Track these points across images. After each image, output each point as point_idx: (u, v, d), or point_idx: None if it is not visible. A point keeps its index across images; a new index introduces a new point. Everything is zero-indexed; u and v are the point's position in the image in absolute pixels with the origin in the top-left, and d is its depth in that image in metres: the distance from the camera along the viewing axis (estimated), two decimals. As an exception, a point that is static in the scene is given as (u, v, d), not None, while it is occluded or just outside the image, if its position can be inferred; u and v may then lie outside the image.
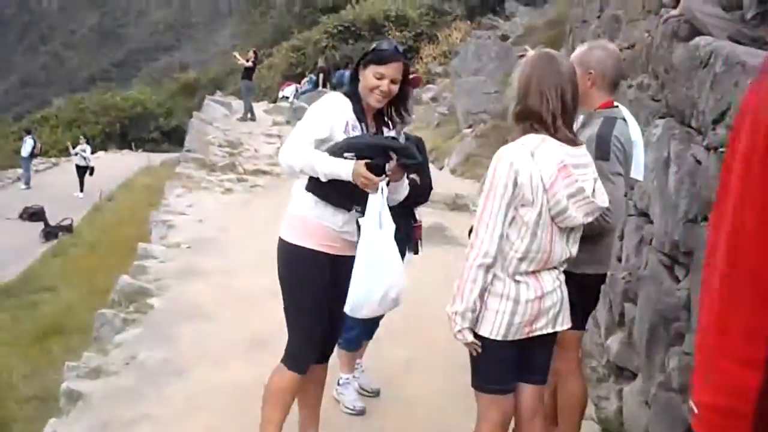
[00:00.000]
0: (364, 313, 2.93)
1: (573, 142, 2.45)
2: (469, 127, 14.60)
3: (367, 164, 2.74)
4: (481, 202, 2.40)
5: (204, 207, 9.99)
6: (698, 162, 3.16)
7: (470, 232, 2.74)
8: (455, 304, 2.45)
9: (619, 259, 4.51)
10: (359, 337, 3.97)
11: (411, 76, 3.86)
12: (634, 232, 4.24)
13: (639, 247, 4.14)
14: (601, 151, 2.83)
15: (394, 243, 2.85)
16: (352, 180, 2.75)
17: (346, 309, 2.89)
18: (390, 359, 4.61)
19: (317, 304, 2.98)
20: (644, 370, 3.66)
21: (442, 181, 10.08)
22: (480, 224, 2.38)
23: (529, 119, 2.43)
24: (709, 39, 3.57)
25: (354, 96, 3.00)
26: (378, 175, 2.76)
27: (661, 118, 4.11)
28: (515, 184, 2.33)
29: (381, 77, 2.92)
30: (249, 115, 19.28)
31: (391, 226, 2.82)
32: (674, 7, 4.40)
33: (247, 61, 19.18)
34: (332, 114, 2.92)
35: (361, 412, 3.92)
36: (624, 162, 2.99)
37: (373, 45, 3.05)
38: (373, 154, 2.81)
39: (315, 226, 2.95)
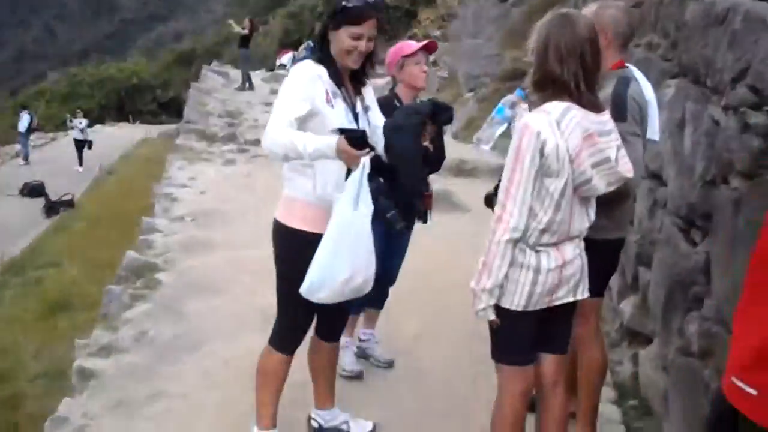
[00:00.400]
0: (320, 296, 2.72)
1: (597, 106, 2.37)
2: (471, 90, 14.45)
3: (347, 138, 2.58)
4: (506, 174, 2.32)
5: (206, 179, 9.92)
6: (716, 122, 3.09)
7: (486, 201, 2.68)
8: (482, 280, 2.38)
9: (631, 222, 4.46)
10: (359, 300, 3.91)
11: (427, 42, 3.77)
12: (646, 195, 4.18)
13: (652, 209, 4.09)
14: (617, 111, 2.76)
15: (369, 225, 2.68)
16: (336, 157, 2.60)
17: (302, 289, 2.69)
18: (402, 330, 4.59)
19: None
20: (661, 334, 3.63)
21: (446, 146, 9.95)
22: (508, 197, 2.31)
23: (551, 86, 2.35)
24: (725, -5, 3.48)
25: (327, 60, 2.80)
26: (359, 148, 2.58)
27: (673, 77, 4.03)
28: (542, 155, 2.27)
29: (358, 37, 2.74)
30: (247, 85, 19.08)
31: (368, 207, 2.64)
32: (685, -37, 4.28)
33: (243, 29, 18.95)
34: (308, 86, 2.73)
35: (359, 375, 3.89)
36: (640, 123, 2.93)
37: (342, 2, 2.78)
38: (414, 126, 2.70)
39: (315, 207, 2.80)
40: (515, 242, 2.35)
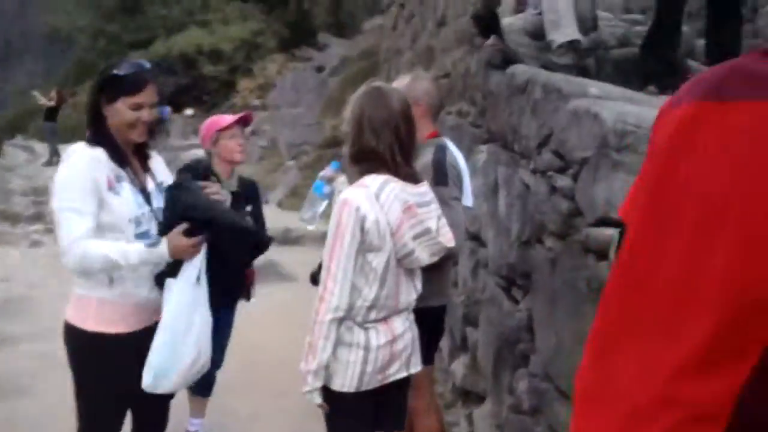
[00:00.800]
0: (167, 385, 2.49)
1: (415, 178, 2.38)
2: (293, 158, 14.55)
3: (185, 231, 2.42)
4: (327, 252, 2.26)
5: (9, 263, 9.07)
6: (526, 186, 3.25)
7: (312, 279, 2.61)
8: (308, 362, 2.29)
9: (456, 284, 4.58)
10: None
11: (242, 115, 3.67)
12: (469, 256, 4.31)
13: (475, 270, 4.21)
14: (439, 177, 2.83)
15: (208, 305, 2.56)
16: (171, 258, 2.41)
17: (146, 382, 2.44)
18: (234, 413, 4.34)
19: (122, 392, 2.55)
20: (492, 393, 3.69)
21: (270, 215, 9.84)
22: (329, 276, 2.24)
23: (367, 159, 2.33)
24: (524, 67, 3.73)
25: (104, 140, 2.46)
26: (197, 234, 2.43)
27: (484, 143, 4.23)
28: (362, 230, 2.22)
29: (139, 107, 2.45)
30: (55, 159, 17.95)
31: (205, 287, 2.53)
32: (486, 37, 4.58)
33: (50, 101, 17.94)
34: (87, 178, 2.36)
35: None
36: (459, 188, 3.02)
37: (112, 71, 2.47)
38: (191, 184, 2.56)
39: (114, 305, 2.50)
40: (339, 321, 2.27)
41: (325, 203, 2.81)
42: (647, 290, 1.16)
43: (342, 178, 2.74)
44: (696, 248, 1.09)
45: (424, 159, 2.91)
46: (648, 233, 1.18)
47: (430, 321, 2.93)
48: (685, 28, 4.33)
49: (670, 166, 1.15)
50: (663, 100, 3.66)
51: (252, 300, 3.73)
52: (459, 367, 4.39)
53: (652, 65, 3.97)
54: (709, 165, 1.11)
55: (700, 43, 4.27)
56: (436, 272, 2.83)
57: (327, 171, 2.81)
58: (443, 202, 2.69)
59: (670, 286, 1.12)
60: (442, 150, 2.97)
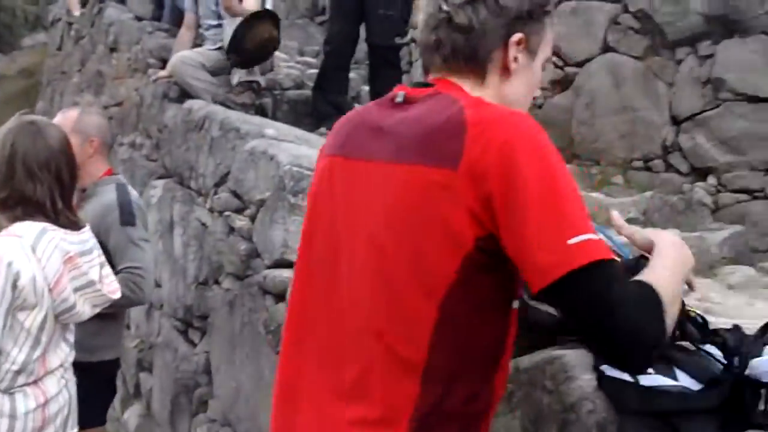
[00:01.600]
0: None
1: (76, 225, 2.13)
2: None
3: None
4: None
5: None
6: (204, 225, 3.18)
7: None
8: None
9: (128, 327, 4.30)
10: None
11: None
12: (142, 298, 4.09)
13: (149, 312, 4.00)
14: (126, 217, 2.60)
15: None
16: None
17: None
18: None
19: None
20: (169, 442, 3.52)
21: None
22: None
23: (21, 205, 2.03)
24: (201, 103, 3.67)
25: None
26: None
27: (159, 178, 4.06)
28: (14, 287, 1.92)
29: None
30: None
31: None
32: (162, 68, 4.43)
33: None
34: None
35: None
36: (146, 228, 2.83)
37: None
38: None
39: None
40: None
41: None
42: (309, 327, 1.22)
43: None
44: (335, 288, 1.18)
45: (105, 198, 2.66)
46: (301, 274, 1.27)
47: (105, 377, 2.68)
48: (353, 75, 4.64)
49: (315, 210, 1.26)
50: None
51: None
52: (132, 416, 4.12)
53: (322, 108, 4.18)
54: (345, 210, 1.20)
55: (366, 88, 4.60)
56: (109, 322, 2.58)
57: None
58: (132, 243, 2.50)
59: (325, 326, 1.19)
60: (123, 188, 2.74)
